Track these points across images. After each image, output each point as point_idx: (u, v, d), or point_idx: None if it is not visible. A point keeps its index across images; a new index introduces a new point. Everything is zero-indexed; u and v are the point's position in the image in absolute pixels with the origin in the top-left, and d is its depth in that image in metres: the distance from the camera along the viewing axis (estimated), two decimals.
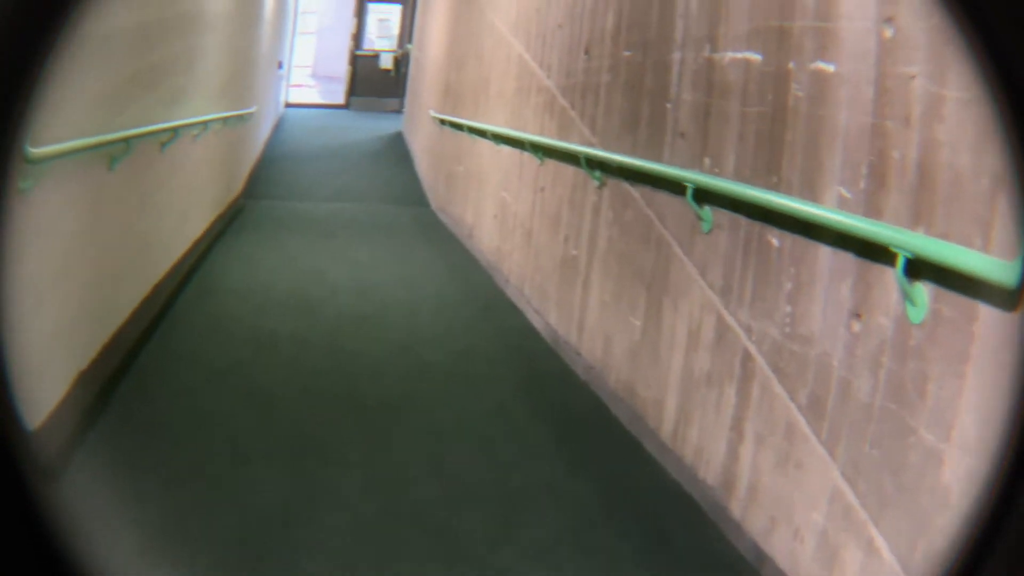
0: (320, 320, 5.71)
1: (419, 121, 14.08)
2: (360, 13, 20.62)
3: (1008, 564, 1.19)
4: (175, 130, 5.51)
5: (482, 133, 7.51)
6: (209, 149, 7.62)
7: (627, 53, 4.19)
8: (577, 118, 4.89)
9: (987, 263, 1.88)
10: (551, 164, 5.44)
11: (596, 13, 4.67)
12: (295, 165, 13.74)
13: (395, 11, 20.84)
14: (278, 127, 17.09)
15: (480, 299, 6.43)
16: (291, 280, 6.72)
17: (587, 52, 4.78)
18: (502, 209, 6.81)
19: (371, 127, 18.23)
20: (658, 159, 3.78)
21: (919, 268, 2.14)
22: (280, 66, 16.98)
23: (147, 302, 5.22)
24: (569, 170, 5.06)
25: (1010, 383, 1.27)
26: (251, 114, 10.86)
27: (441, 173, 10.44)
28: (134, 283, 5.06)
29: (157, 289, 5.50)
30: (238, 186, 10.56)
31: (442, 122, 10.34)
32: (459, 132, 8.98)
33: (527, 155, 6.04)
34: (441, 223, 9.75)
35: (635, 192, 4.07)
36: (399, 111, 19.85)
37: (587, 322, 4.75)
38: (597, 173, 4.49)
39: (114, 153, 4.14)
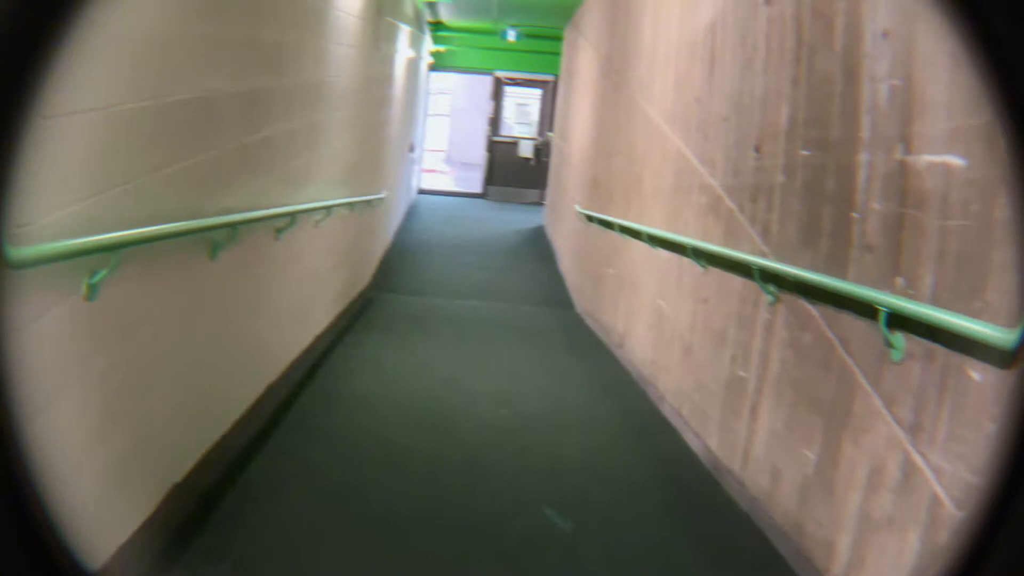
0: (455, 437, 5.72)
1: (562, 215, 14.22)
2: (497, 96, 21.06)
3: (1008, 564, 1.31)
4: (293, 215, 5.62)
5: (635, 234, 7.52)
6: (334, 237, 7.81)
7: (805, 152, 4.14)
8: (746, 223, 4.85)
9: None
10: (715, 273, 5.40)
11: (767, 105, 4.65)
12: (429, 257, 14.02)
13: (534, 96, 21.24)
14: (410, 214, 17.52)
15: (632, 418, 6.35)
16: (423, 388, 6.78)
17: (757, 149, 4.75)
18: (658, 319, 6.77)
19: (510, 219, 18.50)
20: (842, 275, 3.69)
21: None
22: (412, 149, 17.43)
23: (257, 406, 5.28)
24: (736, 281, 5.00)
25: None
26: (381, 200, 11.13)
27: (588, 274, 10.48)
28: (243, 385, 5.13)
29: (270, 392, 5.60)
30: (366, 277, 10.80)
31: (589, 218, 10.41)
32: (608, 231, 9.02)
33: (687, 261, 6.01)
34: (588, 329, 9.75)
35: (815, 311, 3.98)
36: (539, 203, 20.13)
37: (753, 451, 4.64)
38: (771, 287, 4.43)
39: (217, 239, 4.17)
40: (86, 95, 2.71)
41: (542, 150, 20.92)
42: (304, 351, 6.68)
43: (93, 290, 2.90)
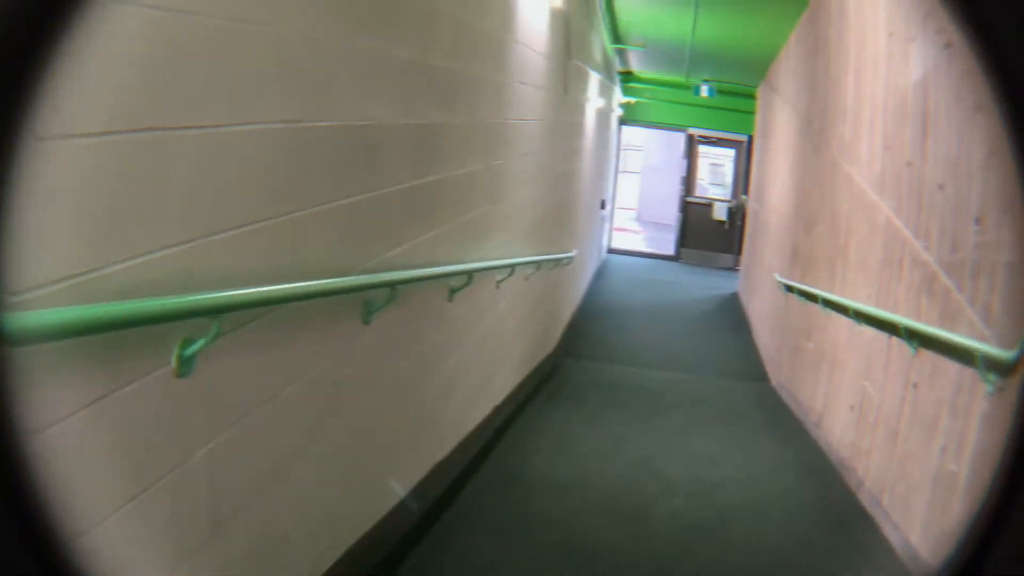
0: (649, 531, 5.39)
1: (758, 283, 13.78)
2: (690, 154, 20.74)
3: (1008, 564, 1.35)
4: (469, 274, 5.25)
5: (840, 308, 7.10)
6: (518, 298, 7.57)
7: None
8: (966, 304, 4.43)
9: None
10: (928, 356, 4.97)
11: (990, 171, 4.25)
12: (619, 322, 13.75)
13: (728, 156, 20.82)
14: (599, 275, 17.31)
15: (830, 506, 5.93)
16: (614, 471, 6.46)
17: (978, 221, 4.34)
18: (861, 400, 6.33)
19: (703, 284, 18.10)
20: None
21: None
22: (603, 206, 17.22)
23: (420, 489, 4.85)
24: (952, 367, 4.57)
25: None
26: (570, 259, 10.91)
27: (785, 346, 10.03)
28: (402, 466, 4.70)
29: (437, 471, 5.22)
30: (553, 341, 10.55)
31: (788, 288, 9.98)
32: (808, 303, 8.60)
33: (896, 341, 5.58)
34: (783, 405, 9.30)
35: None
36: (733, 268, 19.66)
37: None
38: (992, 376, 4.00)
39: (372, 300, 3.75)
40: (189, 107, 2.27)
41: (736, 213, 20.46)
42: (480, 424, 6.44)
43: (186, 363, 2.33)
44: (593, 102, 13.07)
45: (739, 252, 19.17)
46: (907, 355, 5.33)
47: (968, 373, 4.32)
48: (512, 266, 6.70)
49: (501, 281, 6.57)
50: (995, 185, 4.18)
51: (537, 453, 6.66)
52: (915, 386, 5.15)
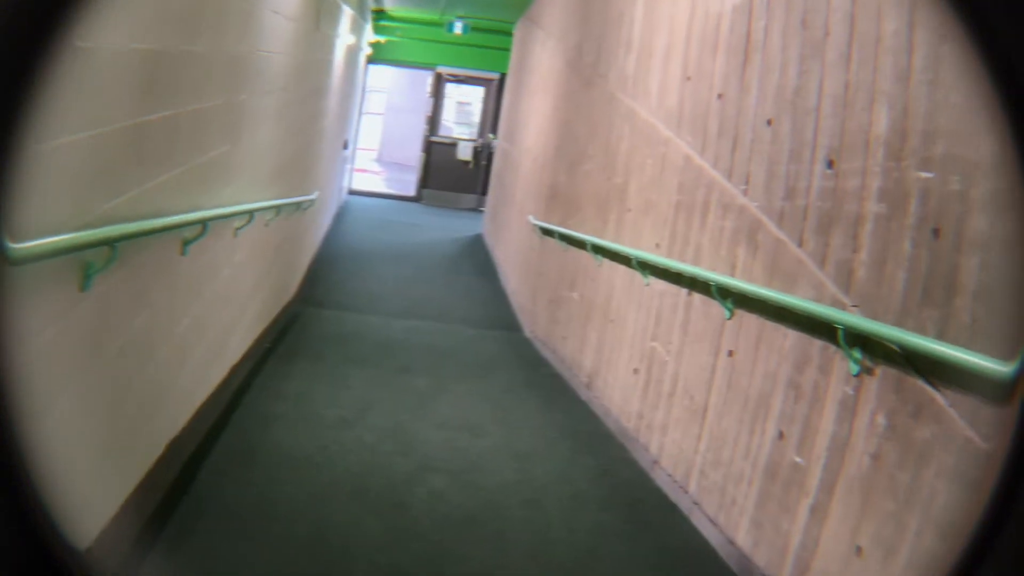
0: (408, 523, 4.43)
1: (507, 225, 13.03)
2: (437, 94, 19.78)
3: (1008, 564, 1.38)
4: (204, 223, 4.25)
5: (616, 256, 6.32)
6: (258, 246, 6.50)
7: (923, 174, 2.96)
8: (809, 260, 3.65)
9: None
10: (750, 320, 4.20)
11: (850, 107, 3.46)
12: (360, 267, 12.75)
13: (477, 94, 20.01)
14: (339, 217, 16.24)
15: (622, 490, 5.14)
16: (362, 443, 5.46)
17: (831, 164, 3.56)
18: (649, 364, 5.57)
19: (446, 226, 17.30)
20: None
21: None
22: (346, 146, 16.09)
23: (150, 479, 3.93)
24: (789, 335, 3.81)
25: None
26: (312, 202, 9.82)
27: (542, 295, 9.26)
28: (131, 451, 3.79)
29: (171, 453, 4.26)
30: (292, 289, 9.51)
31: (545, 232, 9.21)
32: (572, 248, 7.83)
33: (699, 299, 4.82)
34: (542, 359, 8.53)
35: (940, 397, 2.80)
36: (476, 209, 18.99)
37: (815, 564, 3.46)
38: (856, 353, 3.23)
39: (91, 261, 2.90)
40: None
41: (482, 152, 19.72)
42: (217, 388, 5.35)
43: None
44: (344, 39, 11.87)
45: (484, 192, 18.49)
46: (715, 316, 4.57)
47: (816, 346, 3.56)
48: (251, 212, 5.56)
49: (240, 228, 5.44)
50: (858, 123, 3.40)
51: (276, 421, 5.60)
52: (730, 354, 4.39)
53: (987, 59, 1.43)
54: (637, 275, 5.90)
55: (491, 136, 19.17)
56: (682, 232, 5.18)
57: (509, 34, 16.31)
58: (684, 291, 5.10)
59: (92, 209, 2.85)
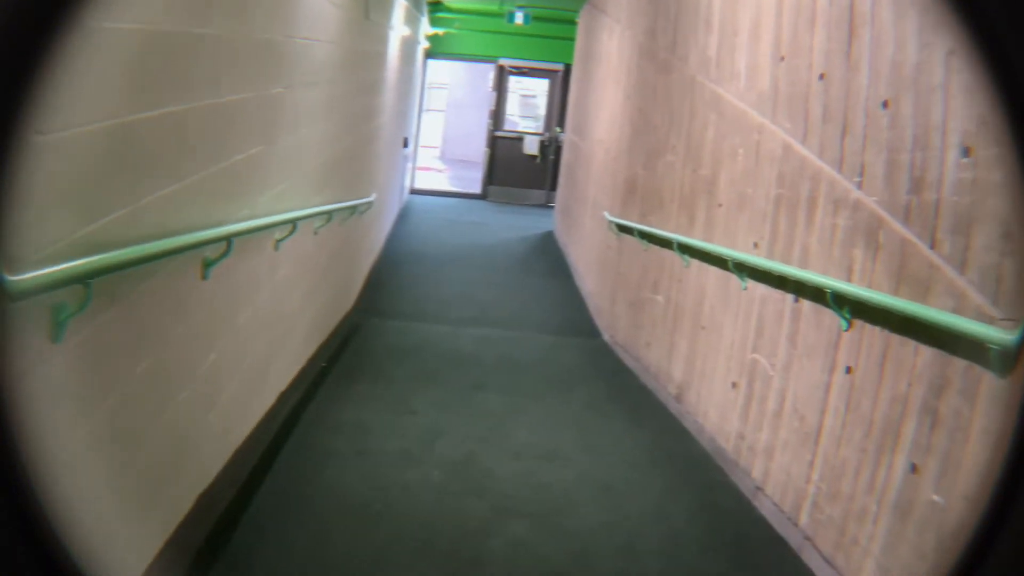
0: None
1: (579, 223, 12.64)
2: (500, 87, 19.43)
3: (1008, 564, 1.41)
4: (229, 239, 3.81)
5: (709, 257, 5.91)
6: (306, 257, 6.14)
7: None
8: (944, 265, 3.22)
9: None
10: (872, 333, 3.76)
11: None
12: (425, 271, 12.40)
13: (542, 87, 19.63)
14: (401, 218, 15.93)
15: (721, 522, 4.72)
16: (429, 483, 5.02)
17: (967, 152, 3.12)
18: (750, 378, 5.15)
19: (515, 224, 16.91)
20: None
21: None
22: (406, 144, 15.78)
23: (171, 547, 3.47)
24: (922, 352, 3.37)
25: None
26: (369, 204, 9.48)
27: (621, 297, 8.86)
28: (146, 518, 3.33)
29: (201, 507, 3.85)
30: (351, 298, 9.18)
31: (622, 229, 8.80)
32: (653, 247, 7.42)
33: (809, 306, 4.39)
34: (624, 368, 8.13)
35: None
36: (545, 205, 18.65)
37: None
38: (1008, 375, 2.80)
39: (63, 303, 2.40)
40: None
41: (549, 147, 19.34)
42: (261, 421, 4.99)
43: None
44: (398, 30, 11.54)
45: (553, 188, 18.11)
46: (829, 327, 4.14)
47: (957, 367, 3.12)
48: (294, 221, 5.19)
49: (282, 239, 5.08)
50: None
51: (329, 459, 5.20)
52: (849, 371, 3.95)
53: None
54: (732, 278, 5.48)
55: (557, 129, 18.79)
56: (785, 230, 4.75)
57: (572, 23, 15.91)
58: (790, 297, 4.67)
59: (62, 235, 2.38)
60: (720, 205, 5.87)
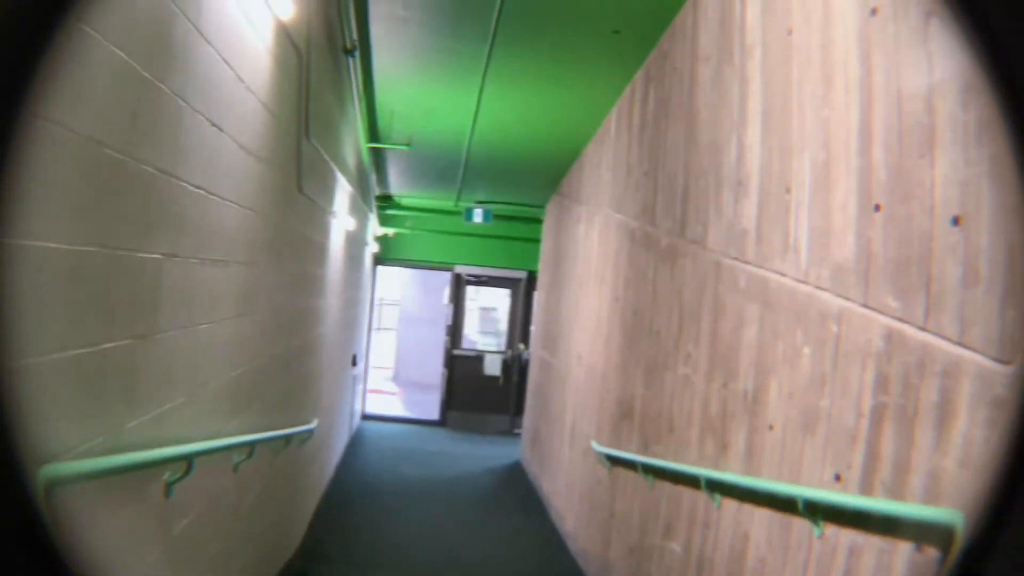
0: None
1: (554, 452, 11.46)
2: (457, 299, 18.45)
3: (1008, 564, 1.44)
4: (47, 486, 2.40)
5: (759, 497, 4.58)
6: (222, 501, 4.81)
7: None
8: None
9: None
10: None
11: None
12: (380, 508, 11.41)
13: (503, 298, 18.76)
14: (352, 447, 15.12)
15: None
16: None
17: None
18: None
19: (478, 454, 16.04)
20: None
21: None
22: (355, 363, 14.74)
23: None
24: None
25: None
26: (310, 433, 8.21)
27: (618, 541, 7.50)
28: None
29: None
30: (294, 541, 7.95)
31: (615, 461, 7.55)
32: (662, 483, 6.14)
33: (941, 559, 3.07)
34: None
35: None
36: (510, 432, 17.56)
37: None
38: None
39: None
40: None
41: (512, 366, 18.26)
42: None
43: None
44: (343, 220, 10.42)
45: (518, 412, 17.08)
46: None
47: None
48: (189, 457, 3.81)
49: (174, 481, 3.71)
50: None
51: None
52: None
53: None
54: (795, 521, 4.15)
55: (521, 346, 17.87)
56: (892, 453, 3.44)
57: (537, 221, 15.22)
58: (905, 547, 3.33)
59: None
60: (771, 428, 4.56)
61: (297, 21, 5.78)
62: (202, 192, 3.93)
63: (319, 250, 8.58)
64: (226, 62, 4.15)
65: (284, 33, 5.49)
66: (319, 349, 9.23)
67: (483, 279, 18.47)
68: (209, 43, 3.83)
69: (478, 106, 9.71)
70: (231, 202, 4.47)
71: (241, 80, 4.49)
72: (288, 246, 6.52)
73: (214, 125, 4.05)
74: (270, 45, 5.16)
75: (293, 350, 7.26)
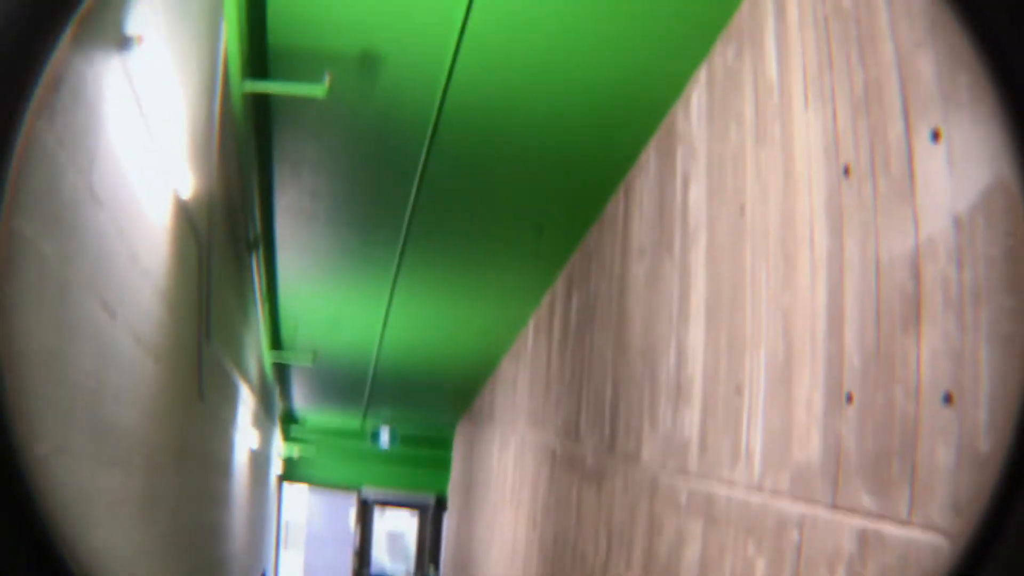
0: None
1: None
2: (364, 521, 18.09)
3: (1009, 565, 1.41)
4: None
5: None
6: None
7: None
8: None
9: None
10: None
11: None
12: None
13: (411, 521, 18.39)
14: None
15: None
16: None
17: None
18: None
19: None
20: None
21: None
22: None
23: None
24: None
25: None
26: None
27: None
28: None
29: None
30: None
31: None
32: None
33: None
34: None
35: None
36: None
37: None
38: None
39: None
40: None
41: None
42: None
43: None
44: (247, 436, 9.87)
45: None
46: None
47: None
48: None
49: None
50: None
51: None
52: None
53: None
54: None
55: (431, 570, 17.41)
56: None
57: (447, 445, 15.09)
58: None
59: None
60: None
61: (198, 203, 5.35)
62: (72, 375, 3.39)
63: (223, 465, 8.04)
64: (121, 234, 3.69)
65: (184, 214, 5.06)
66: (226, 570, 8.62)
67: (391, 502, 18.19)
68: (101, 205, 3.35)
69: (387, 316, 9.39)
70: (115, 407, 3.96)
71: (137, 261, 4.04)
72: (191, 454, 6.01)
73: (107, 307, 3.57)
74: (168, 224, 4.73)
75: (197, 570, 6.66)
